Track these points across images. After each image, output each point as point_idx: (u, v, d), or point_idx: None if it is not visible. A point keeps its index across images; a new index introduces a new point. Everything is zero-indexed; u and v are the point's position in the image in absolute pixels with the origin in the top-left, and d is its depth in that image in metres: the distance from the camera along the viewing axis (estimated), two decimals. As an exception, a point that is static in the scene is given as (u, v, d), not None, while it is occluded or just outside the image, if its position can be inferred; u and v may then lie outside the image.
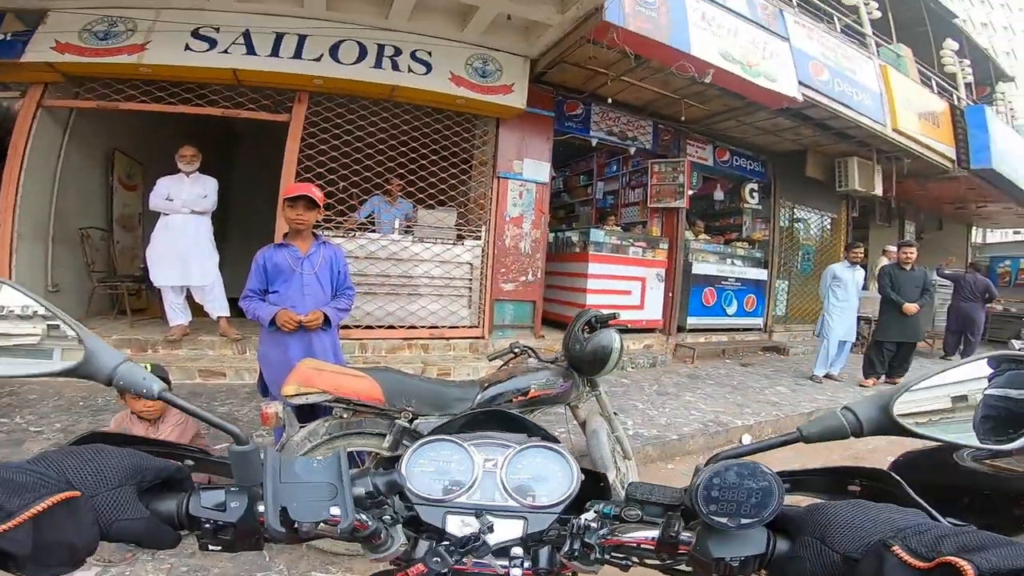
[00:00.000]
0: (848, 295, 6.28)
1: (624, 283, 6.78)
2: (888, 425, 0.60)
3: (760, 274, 8.21)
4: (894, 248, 7.43)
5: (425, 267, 5.37)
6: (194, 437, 2.41)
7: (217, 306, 4.79)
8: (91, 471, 0.49)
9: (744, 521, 0.53)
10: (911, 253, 6.04)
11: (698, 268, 7.42)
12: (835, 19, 7.47)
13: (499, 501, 0.64)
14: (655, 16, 4.97)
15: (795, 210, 8.85)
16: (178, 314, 4.72)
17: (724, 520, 0.53)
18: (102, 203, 5.95)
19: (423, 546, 0.60)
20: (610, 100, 6.20)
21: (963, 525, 0.47)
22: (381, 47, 4.90)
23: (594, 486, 0.69)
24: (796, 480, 0.67)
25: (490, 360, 2.63)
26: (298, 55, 4.70)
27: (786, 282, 8.76)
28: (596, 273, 6.53)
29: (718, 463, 0.57)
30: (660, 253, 7.12)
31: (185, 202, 4.57)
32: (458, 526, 0.61)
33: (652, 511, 0.61)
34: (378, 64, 4.90)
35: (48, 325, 0.55)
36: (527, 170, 5.92)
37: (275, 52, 4.67)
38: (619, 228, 7.43)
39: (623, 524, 0.61)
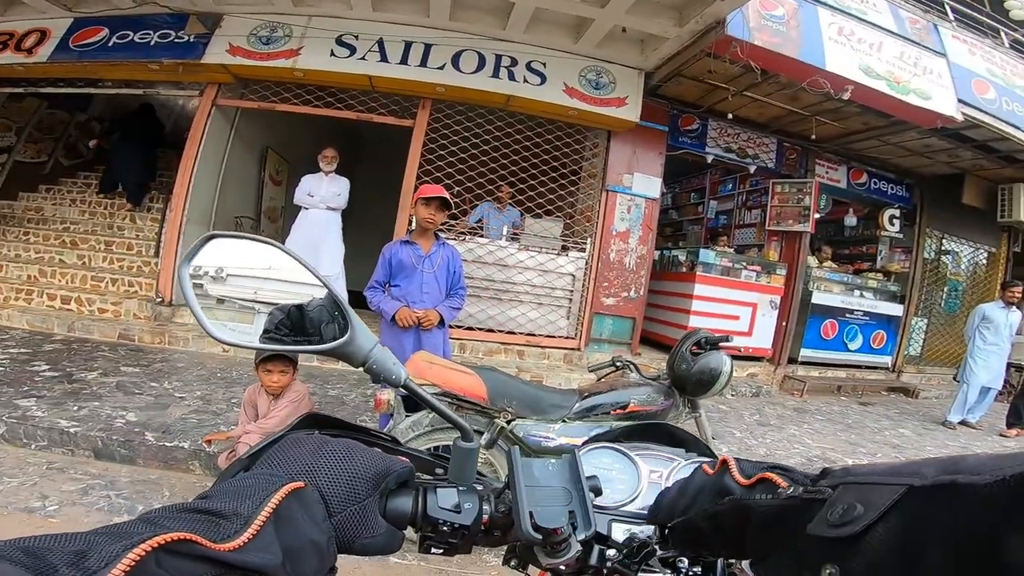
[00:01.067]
0: (999, 338, 5.56)
1: (733, 307, 6.41)
2: None
3: (894, 309, 7.35)
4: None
5: (528, 275, 5.47)
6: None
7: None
8: (343, 480, 0.44)
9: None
10: None
11: (819, 298, 6.81)
12: (1002, 34, 6.58)
13: None
14: (783, 30, 4.73)
15: (944, 241, 7.81)
16: None
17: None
18: (254, 195, 6.80)
19: (595, 553, 0.58)
20: (730, 115, 5.93)
21: None
22: (499, 57, 5.11)
23: None
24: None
25: (590, 371, 2.62)
26: (424, 63, 5.04)
27: (925, 320, 7.77)
28: (702, 295, 6.25)
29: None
30: (776, 279, 6.64)
31: (323, 198, 5.08)
32: (623, 534, 0.60)
33: None
34: (495, 74, 5.11)
35: (323, 303, 0.55)
36: (637, 185, 5.82)
37: (404, 60, 5.04)
38: (731, 250, 7.05)
39: None
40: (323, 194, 5.08)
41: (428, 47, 5.05)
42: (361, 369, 0.54)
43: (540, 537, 0.47)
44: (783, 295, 6.64)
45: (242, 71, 5.22)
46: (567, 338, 5.66)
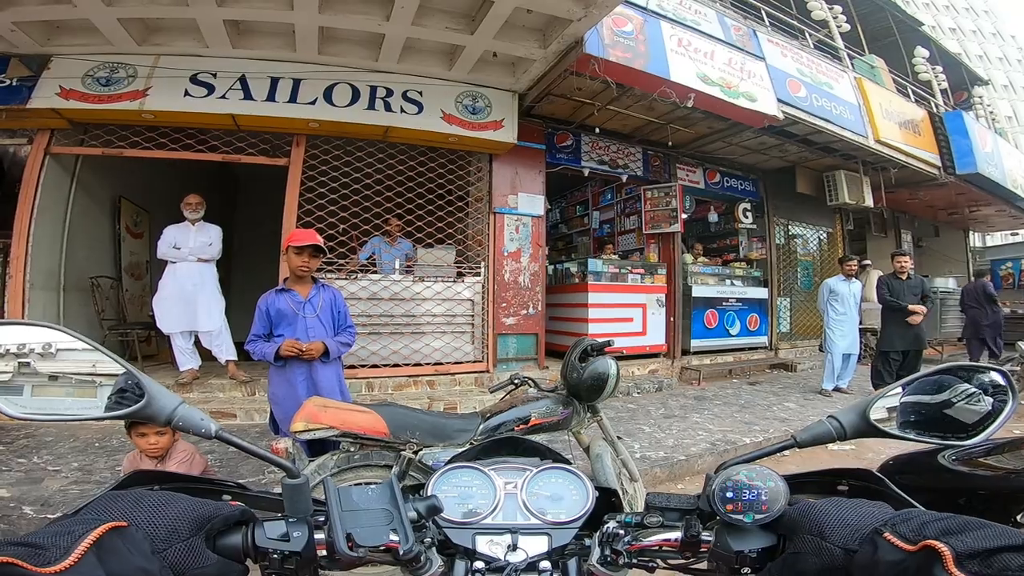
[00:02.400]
0: (847, 308, 6.31)
1: (625, 310, 6.81)
2: (867, 428, 0.69)
3: (761, 293, 8.24)
4: (869, 263, 7.43)
5: (427, 305, 5.43)
6: (202, 473, 2.44)
7: (224, 350, 4.87)
8: (163, 523, 0.50)
9: (758, 517, 0.60)
10: (905, 262, 6.07)
11: (698, 291, 7.46)
12: (807, 35, 7.70)
13: (522, 520, 0.69)
14: (633, 45, 5.14)
15: (790, 227, 8.94)
16: (188, 359, 4.81)
17: (740, 517, 0.60)
18: (110, 251, 6.09)
19: (460, 567, 0.63)
20: (597, 130, 6.37)
21: (976, 519, 0.50)
22: (373, 88, 5.07)
23: (607, 502, 0.75)
24: (792, 483, 0.72)
25: (491, 392, 2.66)
26: (293, 99, 4.86)
27: (788, 299, 8.78)
28: (596, 302, 6.58)
29: (729, 468, 0.63)
30: (659, 278, 7.18)
31: (192, 250, 4.68)
32: (488, 545, 0.65)
33: (670, 516, 0.68)
34: (371, 105, 5.05)
35: (110, 371, 0.60)
36: (522, 204, 6.04)
37: (271, 97, 4.83)
38: (616, 256, 7.51)
39: (645, 530, 0.67)
40: (191, 245, 4.68)
41: (297, 82, 4.89)
42: (170, 426, 0.58)
43: (356, 555, 0.53)
44: (667, 293, 7.18)
45: (79, 115, 4.71)
46: (475, 362, 5.68)
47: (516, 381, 2.58)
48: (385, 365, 5.26)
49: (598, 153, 6.85)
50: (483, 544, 0.65)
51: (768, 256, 8.53)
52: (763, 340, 8.31)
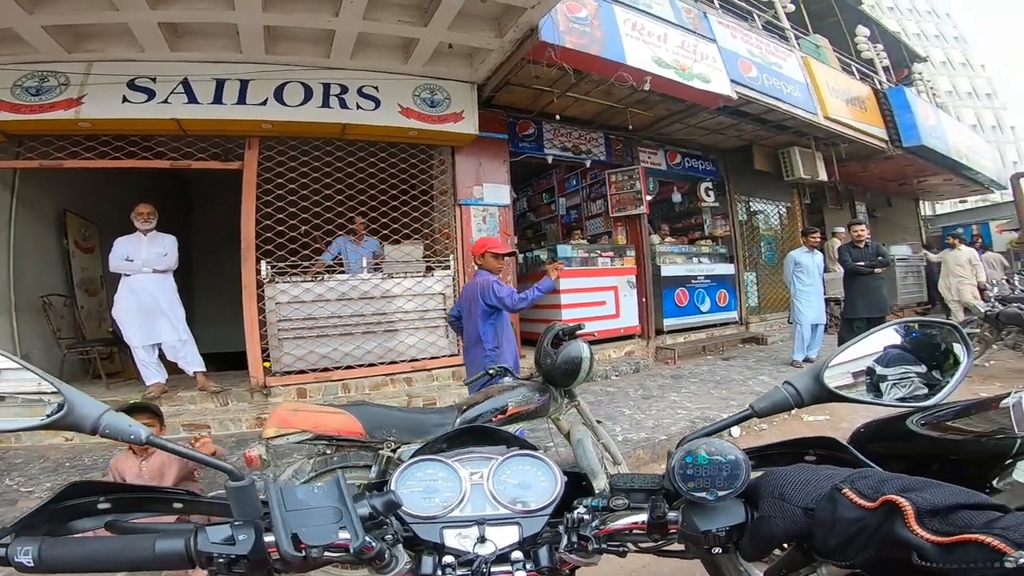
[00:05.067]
0: (812, 279, 6.47)
1: (597, 294, 6.87)
2: (823, 394, 0.67)
3: (727, 269, 8.42)
4: (843, 229, 7.70)
5: (399, 302, 5.36)
6: (186, 476, 2.41)
7: (191, 361, 4.74)
8: None
9: (721, 493, 0.59)
10: (862, 231, 6.29)
11: (667, 270, 7.57)
12: (755, 16, 7.86)
13: (490, 511, 0.67)
14: (588, 31, 5.14)
15: (751, 203, 9.16)
16: (153, 373, 4.65)
17: (703, 495, 0.59)
18: (60, 268, 5.82)
19: (427, 562, 0.62)
20: (558, 117, 6.37)
21: (933, 480, 0.51)
22: (327, 86, 4.94)
23: (577, 486, 0.73)
24: (760, 455, 0.73)
25: (466, 384, 2.65)
26: (242, 100, 4.69)
27: (754, 273, 9.00)
28: (568, 288, 6.60)
29: (688, 444, 0.62)
30: (628, 260, 7.25)
31: (145, 261, 4.51)
32: (456, 539, 0.64)
33: (637, 498, 0.66)
34: (326, 103, 4.93)
35: (29, 381, 0.59)
36: (487, 195, 6.00)
37: (218, 99, 4.65)
38: (585, 241, 7.55)
39: (612, 513, 0.65)
40: (144, 257, 4.50)
41: (245, 83, 4.71)
42: (96, 435, 0.58)
43: (301, 555, 0.52)
44: (637, 274, 7.26)
45: (10, 127, 4.45)
46: (451, 355, 5.63)
47: (491, 371, 2.57)
48: (360, 366, 5.17)
49: (560, 140, 6.85)
50: (451, 538, 0.64)
51: (732, 232, 8.72)
52: (733, 315, 8.50)
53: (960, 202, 19.13)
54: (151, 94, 4.54)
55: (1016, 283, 6.39)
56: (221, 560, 0.54)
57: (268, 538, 0.55)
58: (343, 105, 4.98)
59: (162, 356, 4.73)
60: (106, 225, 6.21)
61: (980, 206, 18.58)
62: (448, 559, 0.62)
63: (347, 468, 2.13)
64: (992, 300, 5.94)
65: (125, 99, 4.48)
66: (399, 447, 2.11)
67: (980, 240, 12.31)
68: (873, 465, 0.63)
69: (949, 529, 0.42)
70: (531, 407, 2.37)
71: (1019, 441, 1.35)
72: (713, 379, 5.94)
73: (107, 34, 4.35)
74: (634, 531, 0.64)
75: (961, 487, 0.47)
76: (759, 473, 0.64)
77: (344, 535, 0.55)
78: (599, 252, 7.05)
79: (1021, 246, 11.26)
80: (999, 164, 13.78)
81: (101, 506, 0.60)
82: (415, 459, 0.72)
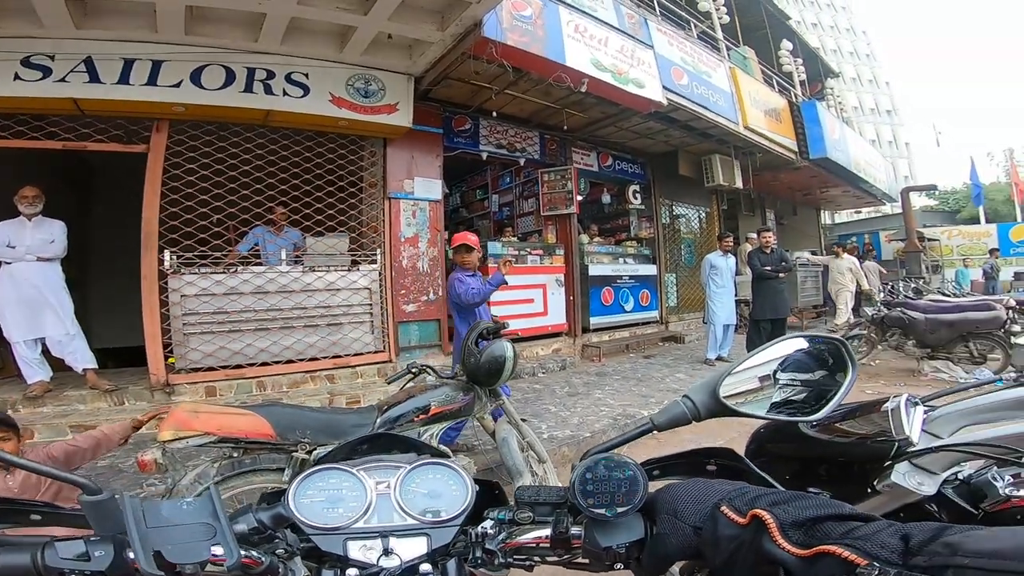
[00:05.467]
0: (725, 281, 6.90)
1: (527, 292, 6.94)
2: (718, 407, 0.68)
3: (650, 270, 8.79)
4: (755, 235, 8.29)
5: (320, 297, 5.14)
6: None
7: (80, 358, 4.35)
8: None
9: (620, 510, 0.59)
10: (769, 237, 6.80)
11: (594, 270, 7.78)
12: (692, 25, 8.24)
13: (398, 521, 0.64)
14: (531, 29, 5.16)
15: (674, 207, 9.62)
16: (35, 370, 4.23)
17: (602, 511, 0.59)
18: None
19: (327, 575, 0.60)
20: (495, 114, 6.36)
21: (802, 492, 0.53)
22: (251, 71, 4.64)
23: (490, 495, 0.72)
24: (663, 466, 0.74)
25: (388, 383, 2.59)
26: (152, 82, 4.33)
27: (674, 275, 9.46)
28: (498, 285, 6.62)
29: (588, 459, 0.62)
30: (557, 259, 7.39)
31: (29, 248, 4.11)
32: (361, 551, 0.61)
33: (542, 511, 0.65)
34: (248, 88, 4.64)
35: None
36: (419, 189, 5.89)
37: (124, 79, 4.26)
38: (515, 239, 7.61)
39: (518, 527, 0.64)
40: (28, 243, 4.09)
41: (158, 64, 4.32)
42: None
43: (164, 574, 0.48)
44: (565, 272, 7.42)
45: None
46: (376, 352, 5.49)
47: (413, 370, 2.53)
48: (277, 362, 4.91)
49: (496, 137, 6.85)
50: (355, 550, 0.61)
51: (656, 235, 9.12)
52: (655, 315, 8.89)
53: (855, 212, 21.19)
54: (47, 72, 4.09)
55: (900, 289, 7.06)
56: None
57: (131, 554, 0.50)
58: (268, 91, 4.70)
59: (46, 352, 4.32)
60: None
61: (873, 216, 20.66)
62: (351, 572, 0.59)
63: (257, 471, 2.03)
64: (878, 305, 6.57)
65: (17, 76, 4.01)
66: (314, 449, 2.03)
67: (871, 248, 13.68)
68: (764, 475, 0.65)
69: (810, 541, 0.43)
70: (455, 407, 2.35)
71: (896, 444, 1.39)
72: (635, 376, 6.18)
73: (3, 8, 3.88)
74: (540, 545, 0.63)
75: (826, 499, 0.50)
76: (663, 484, 0.65)
77: (218, 551, 0.51)
78: (529, 250, 7.14)
79: (907, 255, 12.48)
80: (891, 178, 15.10)
81: None
82: (316, 468, 0.69)
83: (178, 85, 4.40)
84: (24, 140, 4.30)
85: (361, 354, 5.38)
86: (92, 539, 0.52)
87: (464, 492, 0.68)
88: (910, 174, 40.89)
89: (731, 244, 7.09)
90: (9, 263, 4.09)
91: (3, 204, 4.31)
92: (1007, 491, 1.26)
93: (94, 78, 4.20)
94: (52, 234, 4.23)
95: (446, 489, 0.69)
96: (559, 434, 4.11)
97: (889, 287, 7.21)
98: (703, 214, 10.31)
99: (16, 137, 4.28)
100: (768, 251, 6.72)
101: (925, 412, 1.51)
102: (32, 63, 4.06)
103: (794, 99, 10.22)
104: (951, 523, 1.25)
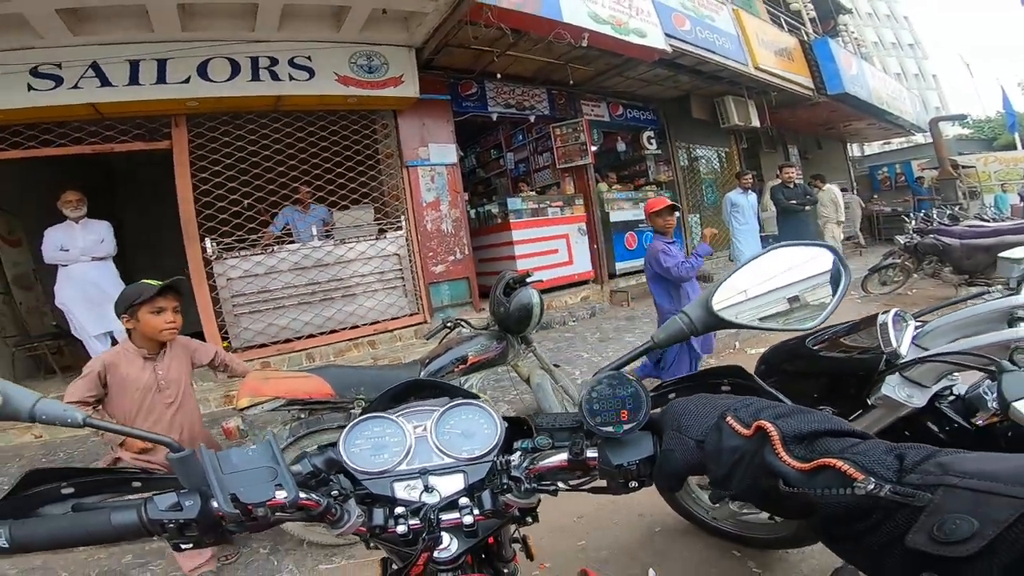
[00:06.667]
0: (747, 219, 6.85)
1: (550, 243, 7.06)
2: (713, 320, 0.70)
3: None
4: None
5: (354, 267, 5.39)
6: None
7: None
8: None
9: (626, 427, 0.61)
10: (791, 172, 6.72)
11: (615, 216, 7.81)
12: None
13: (436, 461, 0.69)
14: None
15: (691, 149, 9.46)
16: None
17: (609, 428, 0.61)
18: (-11, 265, 5.50)
19: (378, 514, 0.64)
20: (499, 76, 6.33)
21: (805, 407, 0.53)
22: (255, 59, 4.75)
23: (521, 430, 0.75)
24: (678, 388, 0.74)
25: (426, 339, 2.79)
26: (161, 80, 4.47)
27: (697, 215, 9.39)
28: (521, 239, 6.77)
29: (593, 378, 0.64)
30: (577, 209, 7.45)
31: (83, 250, 4.33)
32: (405, 490, 0.67)
33: (561, 436, 0.69)
34: (255, 77, 4.76)
35: None
36: (434, 155, 6.00)
37: (135, 80, 4.41)
38: (534, 193, 7.68)
39: (540, 453, 0.68)
40: (81, 245, 4.31)
41: (163, 62, 4.45)
42: (35, 422, 0.61)
43: (239, 512, 0.55)
44: (587, 221, 7.49)
45: (-93, 123, 4.10)
46: (412, 315, 5.76)
47: (448, 324, 2.72)
48: (322, 333, 5.23)
49: (504, 98, 6.85)
50: (401, 490, 0.67)
51: (675, 177, 9.04)
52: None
53: (885, 144, 20.18)
54: (58, 80, 4.24)
55: (935, 215, 6.81)
56: (172, 526, 0.56)
57: (215, 503, 0.56)
58: (275, 77, 4.83)
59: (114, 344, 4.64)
60: (31, 216, 5.85)
61: (905, 147, 19.68)
62: (399, 510, 0.64)
63: (323, 431, 2.19)
64: (911, 232, 6.29)
65: (31, 87, 4.17)
66: (369, 404, 2.24)
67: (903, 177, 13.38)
68: (775, 392, 0.64)
69: (811, 455, 0.44)
70: (490, 355, 2.54)
71: (884, 357, 1.43)
72: (665, 317, 6.27)
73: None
74: (560, 469, 0.66)
75: (827, 414, 0.50)
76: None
77: (281, 493, 0.56)
78: (549, 203, 7.21)
79: (942, 183, 12.11)
80: (920, 110, 14.55)
81: (65, 491, 0.61)
82: (360, 418, 0.74)
83: (187, 81, 4.54)
84: (53, 148, 4.48)
85: (398, 318, 5.66)
86: (182, 492, 0.58)
87: (494, 429, 0.72)
88: (942, 105, 38.40)
89: (750, 181, 7.01)
90: (66, 266, 4.32)
91: (45, 209, 4.55)
92: (996, 404, 1.23)
93: (105, 82, 4.35)
94: (100, 234, 4.44)
95: (477, 428, 0.73)
96: (593, 379, 4.29)
97: (923, 214, 6.98)
98: (722, 154, 10.11)
99: (44, 145, 4.45)
100: (791, 186, 6.66)
101: (917, 327, 1.55)
102: (41, 72, 4.21)
103: (805, 37, 9.81)
104: (948, 440, 1.37)
